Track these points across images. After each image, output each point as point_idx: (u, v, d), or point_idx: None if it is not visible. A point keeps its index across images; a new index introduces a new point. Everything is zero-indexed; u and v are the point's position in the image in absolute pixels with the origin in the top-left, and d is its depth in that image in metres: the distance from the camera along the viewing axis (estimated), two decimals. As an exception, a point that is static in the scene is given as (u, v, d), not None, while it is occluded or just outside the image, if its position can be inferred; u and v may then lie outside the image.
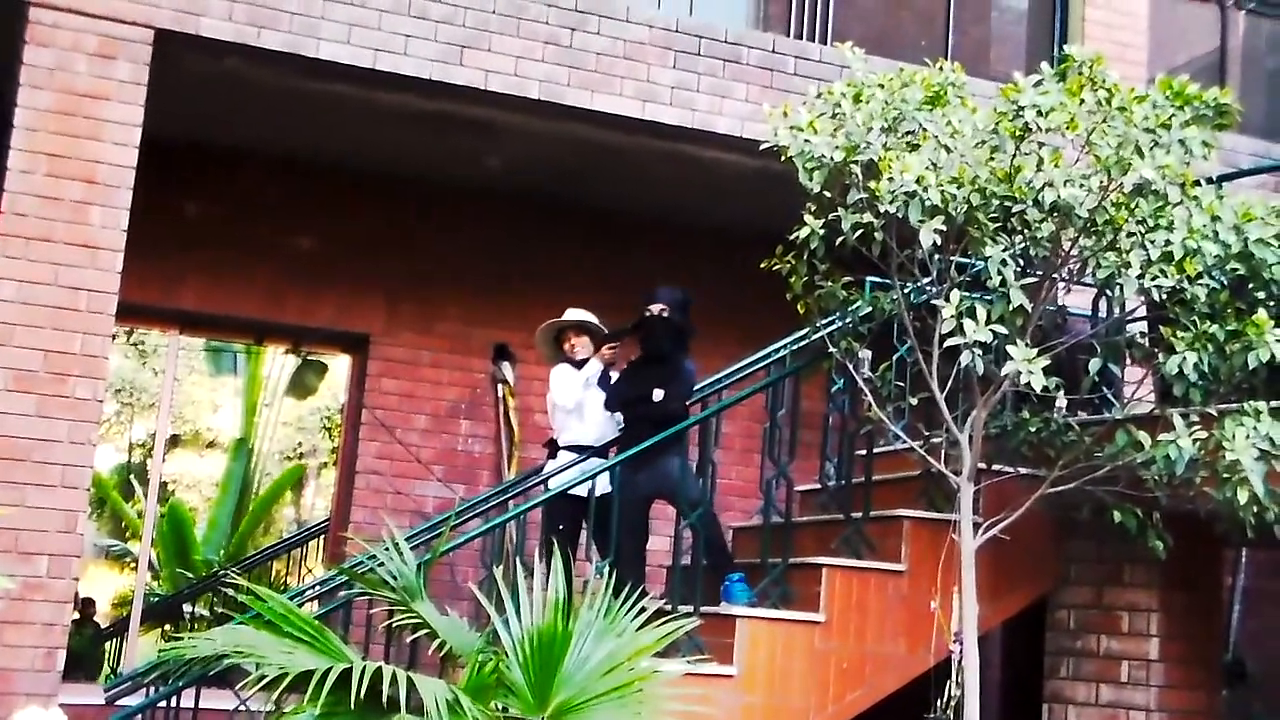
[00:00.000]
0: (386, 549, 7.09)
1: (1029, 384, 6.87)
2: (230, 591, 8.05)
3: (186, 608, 16.66)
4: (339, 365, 16.72)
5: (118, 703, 8.62)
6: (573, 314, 9.45)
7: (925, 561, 8.08)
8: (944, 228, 6.98)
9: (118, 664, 14.68)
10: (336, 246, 11.40)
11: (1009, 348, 6.89)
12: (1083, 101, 7.07)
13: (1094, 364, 7.92)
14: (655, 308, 8.86)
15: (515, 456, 11.33)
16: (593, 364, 9.27)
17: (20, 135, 8.50)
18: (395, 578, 7.02)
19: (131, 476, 19.37)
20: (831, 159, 7.24)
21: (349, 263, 11.42)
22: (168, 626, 16.48)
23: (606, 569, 7.28)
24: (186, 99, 9.75)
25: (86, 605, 16.80)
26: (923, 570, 8.09)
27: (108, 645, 16.49)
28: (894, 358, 8.28)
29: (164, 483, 17.42)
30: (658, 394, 8.61)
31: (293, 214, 11.32)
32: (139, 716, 8.24)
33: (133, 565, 18.00)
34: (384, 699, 6.05)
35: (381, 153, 11.00)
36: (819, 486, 9.13)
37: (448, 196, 11.60)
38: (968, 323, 6.89)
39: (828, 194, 7.36)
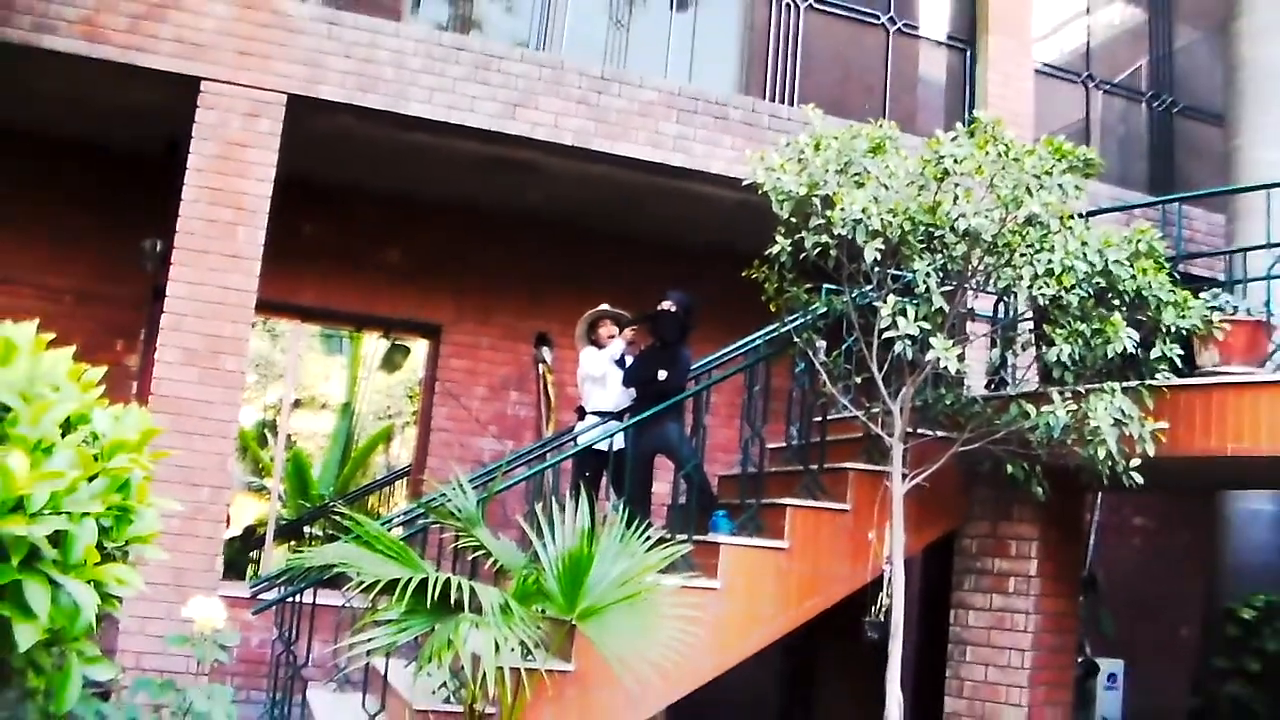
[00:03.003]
0: (454, 488, 7.09)
1: (946, 367, 6.85)
2: (338, 518, 8.06)
3: (306, 529, 16.58)
4: (419, 347, 16.66)
5: (258, 597, 8.77)
6: (607, 307, 9.37)
7: (865, 502, 7.97)
8: (883, 247, 6.90)
9: (258, 569, 14.64)
10: (418, 257, 11.39)
11: (931, 340, 6.82)
12: (987, 153, 7.01)
13: (994, 353, 7.83)
14: (666, 304, 8.75)
15: (552, 419, 11.30)
16: (616, 343, 9.17)
17: (192, 175, 8.64)
18: (460, 510, 7.02)
19: (266, 430, 19.30)
20: (797, 193, 7.15)
21: (427, 270, 11.40)
22: (293, 543, 16.39)
23: (621, 506, 7.25)
24: (312, 149, 9.79)
25: (248, 530, 16.90)
26: (863, 509, 7.99)
27: (251, 554, 16.45)
28: (844, 346, 8.13)
29: (289, 435, 17.37)
30: (661, 374, 8.49)
31: (385, 233, 11.32)
32: (274, 608, 8.40)
33: (268, 496, 17.95)
34: (452, 602, 6.08)
35: (452, 186, 10.96)
36: (785, 445, 9.03)
37: (503, 220, 11.58)
38: (900, 320, 6.82)
39: (794, 220, 7.27)
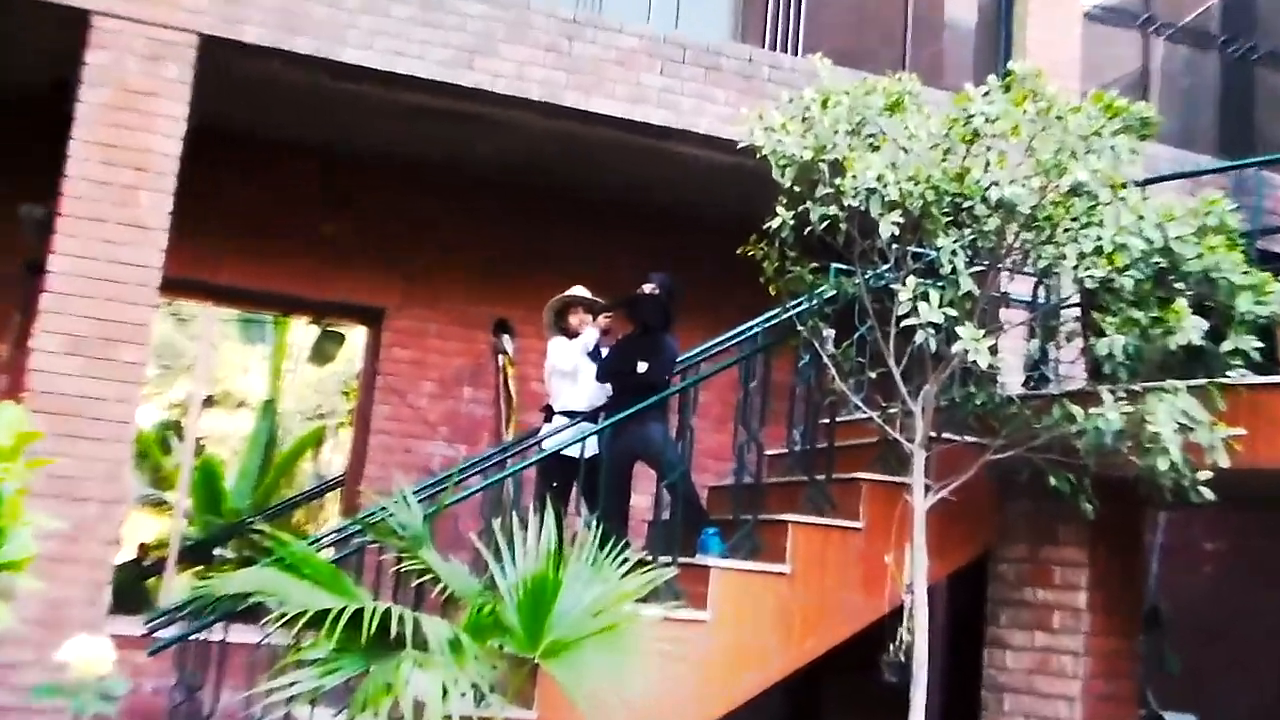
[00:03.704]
0: (396, 501, 7.08)
1: (975, 361, 6.89)
2: (256, 537, 8.03)
3: (217, 551, 16.56)
4: (356, 335, 16.65)
5: (156, 634, 8.55)
6: (579, 291, 9.44)
7: (881, 519, 8.04)
8: (901, 220, 6.97)
9: (156, 600, 14.64)
10: (356, 229, 11.39)
11: (958, 328, 6.87)
12: (1025, 111, 7.06)
13: (1033, 345, 7.90)
14: (647, 287, 8.86)
15: (513, 420, 11.26)
16: (589, 332, 9.27)
17: (80, 127, 8.56)
18: (404, 527, 7.00)
19: (170, 433, 19.26)
20: (801, 157, 7.25)
21: (368, 244, 11.41)
22: (200, 567, 16.38)
23: (594, 522, 7.25)
24: (231, 97, 9.74)
25: (142, 549, 16.83)
26: (879, 527, 8.05)
27: (148, 583, 16.42)
28: (855, 336, 8.21)
29: (198, 439, 17.31)
30: (641, 366, 8.59)
31: (319, 200, 11.32)
32: (174, 647, 8.22)
33: (170, 512, 17.91)
34: (392, 636, 6.04)
35: (398, 146, 10.97)
36: (786, 451, 9.10)
37: (456, 186, 11.59)
38: (922, 305, 6.88)
39: (797, 188, 7.35)
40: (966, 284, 7.04)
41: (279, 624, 6.26)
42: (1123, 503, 8.01)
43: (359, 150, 11.16)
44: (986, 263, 7.38)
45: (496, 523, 7.10)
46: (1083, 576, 8.24)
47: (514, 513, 7.23)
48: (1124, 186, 7.22)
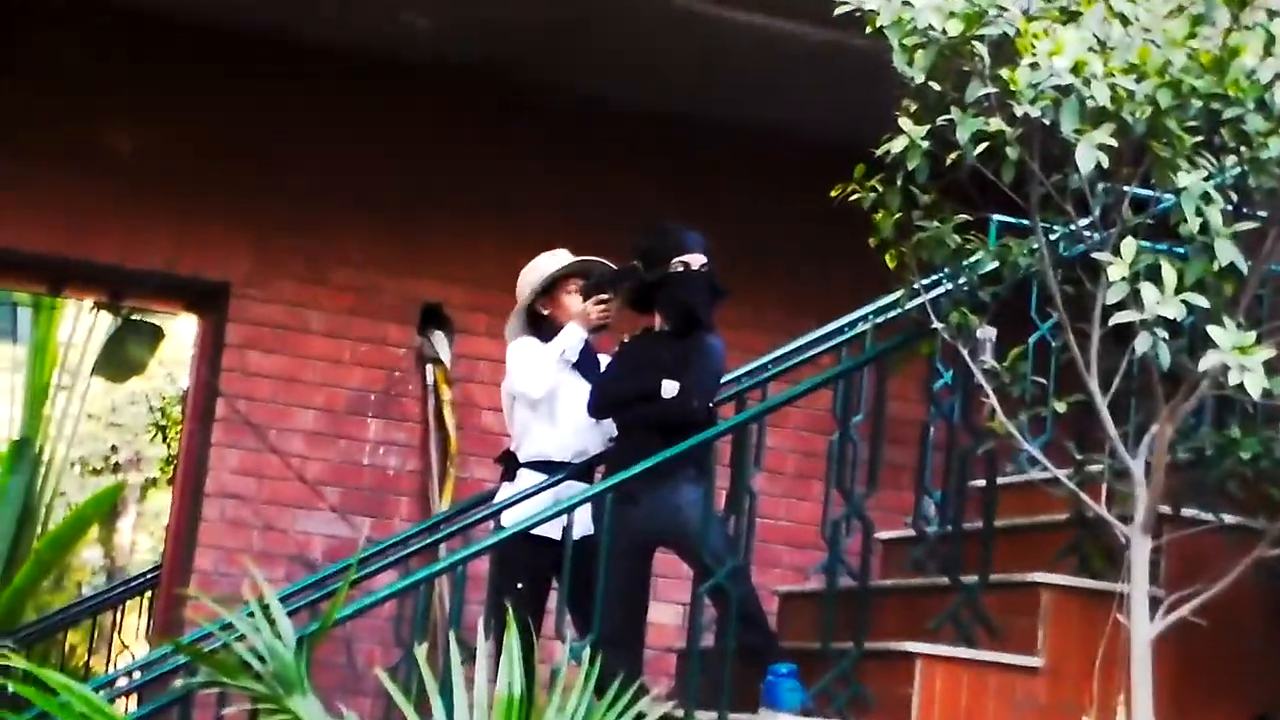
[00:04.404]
0: (249, 614, 6.87)
1: (1241, 385, 6.62)
2: (-2, 676, 7.92)
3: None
4: (181, 330, 16.62)
5: None
6: (562, 255, 9.28)
7: (1074, 654, 7.93)
8: (1115, 142, 6.83)
9: None
10: (184, 148, 11.39)
11: (1212, 329, 6.68)
12: (1341, -60, 7.04)
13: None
14: (695, 260, 8.72)
15: (451, 476, 11.41)
16: (571, 331, 9.11)
17: None
18: (262, 660, 6.82)
19: None
20: (943, 32, 7.11)
21: (202, 173, 11.39)
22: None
23: (586, 651, 7.26)
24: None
25: None
26: (1070, 667, 7.93)
27: None
28: (1030, 340, 8.31)
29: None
30: (669, 387, 8.49)
31: (117, 95, 11.35)
32: None
33: None
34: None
35: (256, 10, 10.95)
36: (913, 534, 8.99)
37: (357, 76, 11.72)
38: (1148, 289, 6.70)
39: (936, 87, 7.26)
40: (1227, 252, 6.87)
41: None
42: None
43: (193, 20, 11.19)
44: (1263, 215, 7.22)
45: (421, 651, 6.97)
46: None
47: (451, 634, 7.10)
48: None
